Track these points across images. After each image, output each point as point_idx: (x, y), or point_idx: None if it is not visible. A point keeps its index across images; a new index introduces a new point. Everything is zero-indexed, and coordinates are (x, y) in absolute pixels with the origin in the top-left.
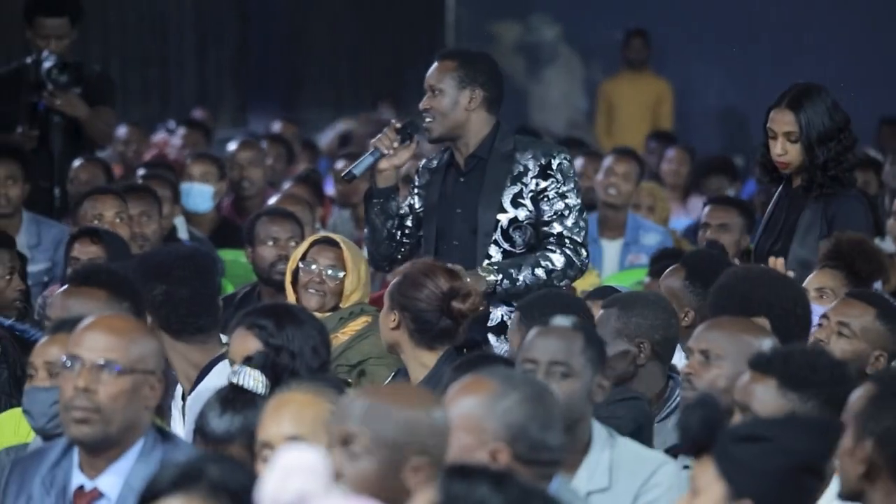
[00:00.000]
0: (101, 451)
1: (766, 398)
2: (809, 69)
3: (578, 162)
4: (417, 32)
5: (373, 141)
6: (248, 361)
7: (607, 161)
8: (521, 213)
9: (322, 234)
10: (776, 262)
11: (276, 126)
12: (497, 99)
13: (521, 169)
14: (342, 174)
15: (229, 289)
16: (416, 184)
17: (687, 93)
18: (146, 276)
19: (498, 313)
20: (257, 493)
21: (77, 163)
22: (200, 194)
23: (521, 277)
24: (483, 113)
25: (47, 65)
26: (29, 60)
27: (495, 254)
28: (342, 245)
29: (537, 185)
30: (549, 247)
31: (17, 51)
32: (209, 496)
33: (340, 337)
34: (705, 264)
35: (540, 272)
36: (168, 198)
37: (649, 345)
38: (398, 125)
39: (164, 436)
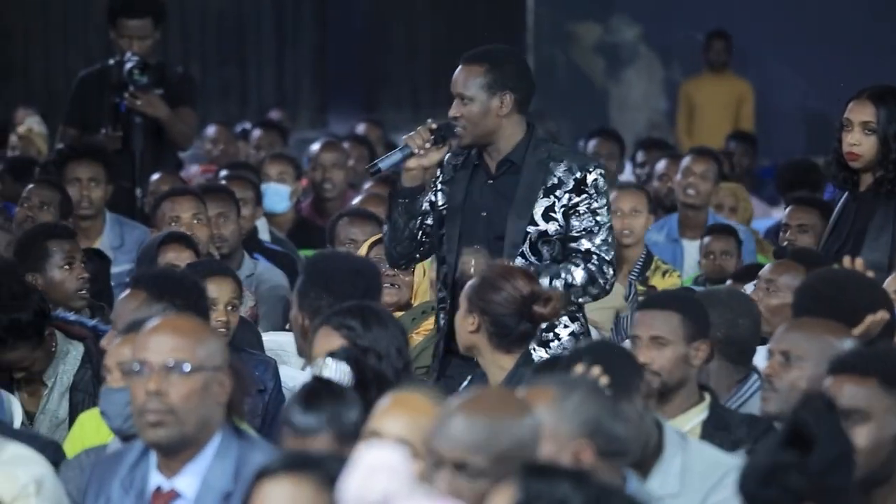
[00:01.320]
0: (177, 452)
1: (864, 398)
2: (890, 71)
3: (661, 164)
4: (497, 33)
5: (405, 137)
6: (332, 355)
7: (685, 161)
8: (552, 227)
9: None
10: (856, 263)
11: (361, 127)
12: (528, 98)
13: (555, 181)
14: (367, 167)
15: None
16: (440, 179)
17: (767, 94)
18: (314, 282)
19: None
20: (341, 491)
21: (156, 177)
22: (277, 194)
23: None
24: (515, 116)
25: (128, 66)
26: (112, 62)
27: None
28: None
29: (570, 199)
30: (574, 261)
31: (100, 52)
32: (321, 485)
33: (415, 338)
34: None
35: (557, 283)
36: (250, 199)
37: (708, 342)
38: (434, 125)
39: (240, 434)
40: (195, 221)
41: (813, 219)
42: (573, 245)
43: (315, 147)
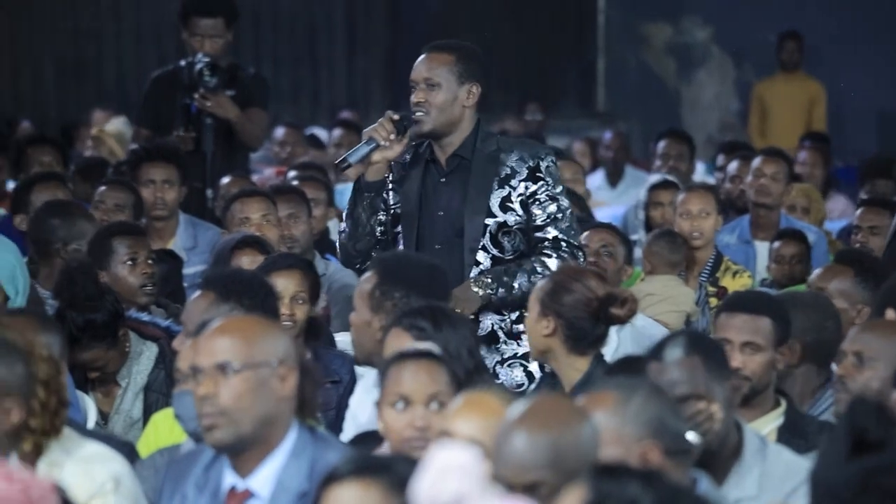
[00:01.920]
0: (242, 451)
1: None
2: None
3: (732, 165)
4: (568, 34)
5: (367, 130)
6: None
7: (756, 162)
8: (511, 218)
9: None
10: None
11: None
12: (485, 95)
13: (508, 171)
14: (336, 161)
15: None
16: (390, 178)
17: (840, 94)
18: (389, 277)
19: (487, 322)
20: (413, 491)
21: (226, 179)
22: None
23: (516, 284)
24: (474, 111)
25: (198, 67)
26: (183, 63)
27: (483, 260)
28: None
29: (527, 188)
30: (545, 251)
31: (172, 53)
32: (390, 490)
33: None
34: (869, 260)
35: (536, 279)
36: (322, 200)
37: (799, 346)
38: (395, 116)
39: (314, 433)
40: (264, 222)
41: (884, 220)
42: (539, 234)
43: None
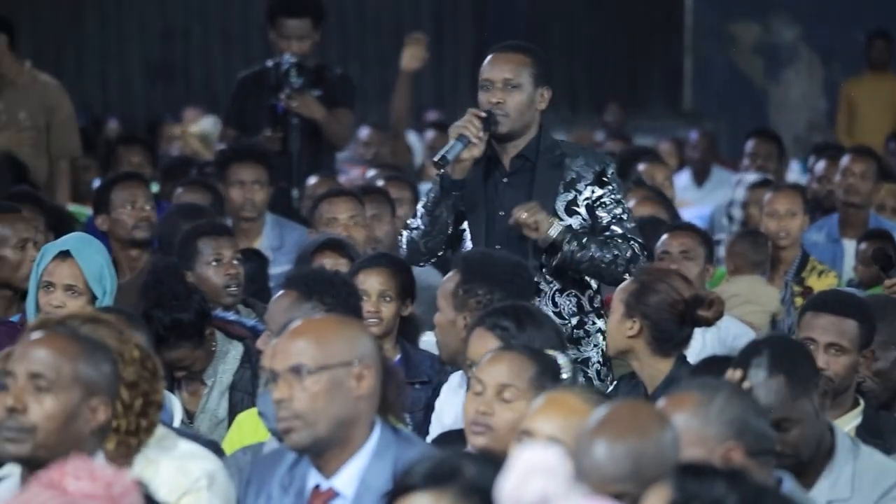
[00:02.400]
0: (322, 452)
1: None
2: None
3: (820, 165)
4: (656, 34)
5: (455, 127)
6: None
7: (844, 161)
8: (576, 222)
9: None
10: None
11: None
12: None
13: (574, 175)
14: (434, 158)
15: None
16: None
17: None
18: (472, 275)
19: None
20: (498, 491)
21: (313, 179)
22: None
23: (590, 247)
24: (542, 115)
25: (284, 67)
26: (270, 63)
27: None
28: None
29: (593, 192)
30: (616, 240)
31: (260, 54)
32: (462, 496)
33: None
34: None
35: (607, 253)
36: (407, 199)
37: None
38: (482, 114)
39: (398, 433)
40: (352, 223)
41: None
42: (607, 233)
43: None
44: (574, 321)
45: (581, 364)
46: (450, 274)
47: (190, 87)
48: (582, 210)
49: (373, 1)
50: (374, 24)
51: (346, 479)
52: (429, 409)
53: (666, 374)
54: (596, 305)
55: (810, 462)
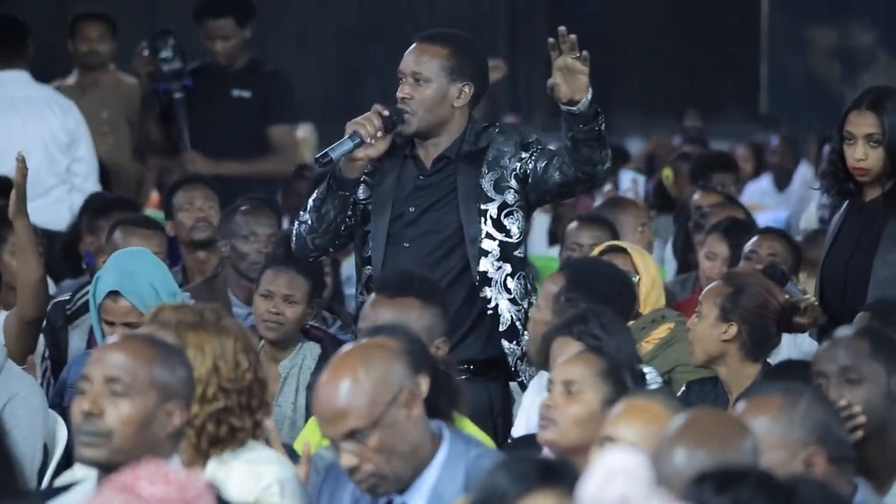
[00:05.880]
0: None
1: None
2: None
3: None
4: (731, 39)
5: (351, 124)
6: None
7: None
8: (510, 197)
9: (608, 242)
10: None
11: None
12: (482, 96)
13: (496, 153)
14: (316, 156)
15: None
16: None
17: None
18: (577, 284)
19: (507, 315)
20: (580, 492)
21: None
22: None
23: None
24: (466, 112)
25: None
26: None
27: (491, 248)
28: (630, 250)
29: (520, 158)
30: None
31: (334, 60)
32: (563, 496)
33: (645, 346)
34: None
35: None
36: None
37: None
38: (385, 112)
39: (467, 440)
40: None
41: None
42: (553, 157)
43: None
44: (525, 304)
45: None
46: (554, 275)
47: None
48: (513, 183)
49: (447, 5)
50: (451, 27)
51: (418, 493)
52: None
53: (752, 380)
54: (532, 286)
55: (885, 462)
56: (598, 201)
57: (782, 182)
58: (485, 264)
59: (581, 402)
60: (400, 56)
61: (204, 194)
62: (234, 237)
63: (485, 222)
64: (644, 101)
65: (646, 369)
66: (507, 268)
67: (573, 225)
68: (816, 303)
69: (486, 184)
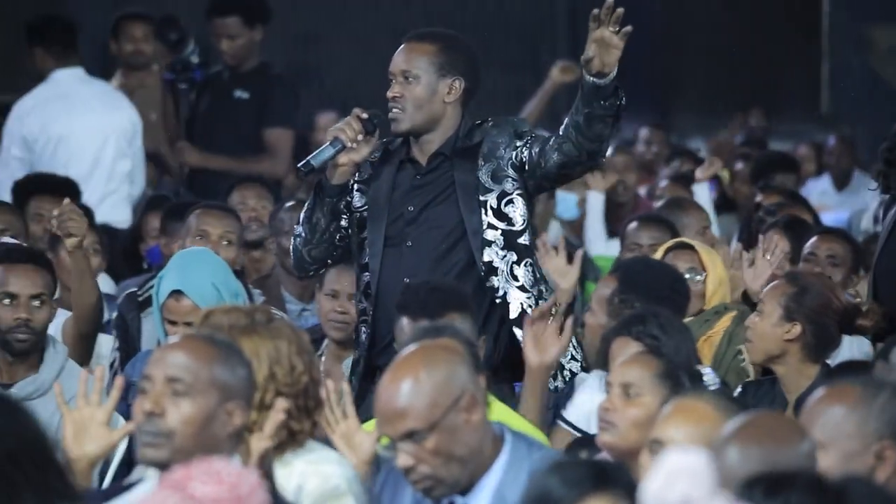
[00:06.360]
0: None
1: None
2: None
3: None
4: (793, 38)
5: (332, 130)
6: None
7: None
8: (508, 185)
9: (676, 239)
10: None
11: (643, 132)
12: (474, 91)
13: (490, 145)
14: (298, 165)
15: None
16: (358, 178)
17: None
18: (630, 285)
19: (517, 303)
20: (642, 493)
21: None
22: (565, 202)
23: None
24: (458, 107)
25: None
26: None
27: (494, 237)
28: (697, 248)
29: (515, 147)
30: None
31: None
32: (618, 500)
33: (714, 338)
34: None
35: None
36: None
37: None
38: (364, 115)
39: (530, 443)
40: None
41: None
42: (549, 140)
43: (608, 152)
44: (535, 291)
45: None
46: (606, 278)
47: (324, 92)
48: (510, 172)
49: (511, 4)
50: (514, 29)
51: (481, 496)
52: (557, 408)
53: (812, 381)
54: (542, 274)
55: None
56: (658, 202)
57: (841, 182)
58: (489, 254)
59: (639, 404)
60: None
61: (257, 194)
62: (280, 234)
63: (485, 213)
64: (705, 101)
65: (704, 370)
66: (513, 256)
67: (633, 225)
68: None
69: (484, 175)
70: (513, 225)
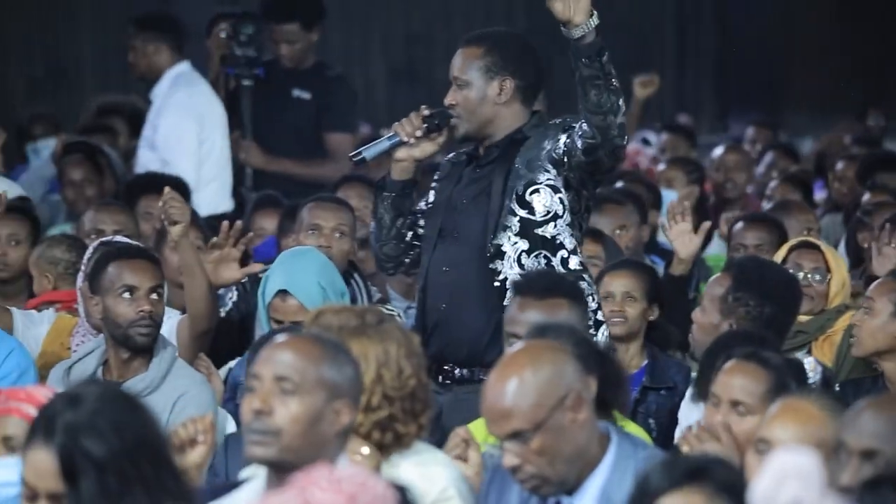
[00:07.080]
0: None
1: None
2: None
3: None
4: None
5: (395, 125)
6: None
7: None
8: (540, 176)
9: (801, 238)
10: None
11: (749, 131)
12: (533, 87)
13: (538, 138)
14: (350, 155)
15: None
16: (436, 178)
17: None
18: (744, 283)
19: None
20: (751, 492)
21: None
22: (668, 200)
23: (614, 84)
24: (517, 105)
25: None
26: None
27: (512, 223)
28: (823, 248)
29: (557, 140)
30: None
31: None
32: (712, 496)
33: (834, 336)
34: None
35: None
36: (649, 201)
37: None
38: (426, 112)
39: (635, 442)
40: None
41: None
42: (575, 130)
43: (718, 150)
44: (593, 305)
45: None
46: (719, 276)
47: (432, 92)
48: (546, 164)
49: (619, 9)
50: (625, 30)
51: (588, 496)
52: (673, 414)
53: None
54: (575, 267)
55: None
56: (767, 204)
57: None
58: (501, 238)
59: (749, 423)
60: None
61: (359, 193)
62: None
63: (509, 198)
64: (818, 100)
65: (805, 360)
66: (524, 244)
67: (739, 225)
68: None
69: (520, 162)
70: (533, 214)
